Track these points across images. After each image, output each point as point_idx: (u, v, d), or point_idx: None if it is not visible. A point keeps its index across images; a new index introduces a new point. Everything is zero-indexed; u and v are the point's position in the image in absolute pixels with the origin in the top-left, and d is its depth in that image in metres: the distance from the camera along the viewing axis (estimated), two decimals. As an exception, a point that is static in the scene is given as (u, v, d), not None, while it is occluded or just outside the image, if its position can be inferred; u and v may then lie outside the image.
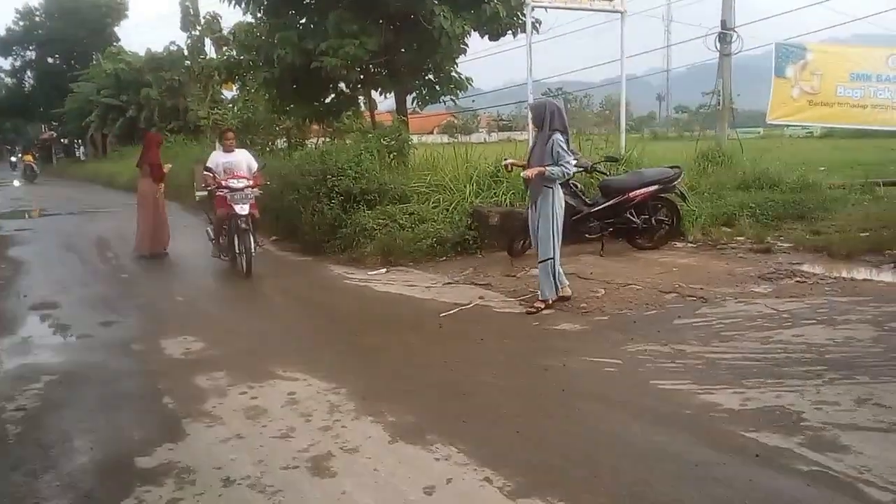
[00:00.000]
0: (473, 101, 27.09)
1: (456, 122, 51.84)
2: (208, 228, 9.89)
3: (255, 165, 9.34)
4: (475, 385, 4.71)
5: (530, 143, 6.80)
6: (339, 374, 4.95)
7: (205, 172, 9.06)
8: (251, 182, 8.89)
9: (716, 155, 12.19)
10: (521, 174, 6.32)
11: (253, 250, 8.56)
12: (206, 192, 9.39)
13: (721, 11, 14.36)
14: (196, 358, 5.57)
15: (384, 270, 8.60)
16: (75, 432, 4.15)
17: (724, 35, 13.79)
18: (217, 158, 9.24)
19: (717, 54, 14.19)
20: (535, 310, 6.35)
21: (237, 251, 8.70)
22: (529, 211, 6.65)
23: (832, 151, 19.25)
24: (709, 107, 15.11)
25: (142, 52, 35.93)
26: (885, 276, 7.04)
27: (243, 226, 8.53)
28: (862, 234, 8.16)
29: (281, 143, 17.49)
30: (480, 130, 58.63)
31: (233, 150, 9.34)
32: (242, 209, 8.57)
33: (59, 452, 3.89)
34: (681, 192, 9.04)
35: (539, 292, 6.46)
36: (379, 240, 9.03)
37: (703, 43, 14.12)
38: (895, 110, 11.11)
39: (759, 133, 30.70)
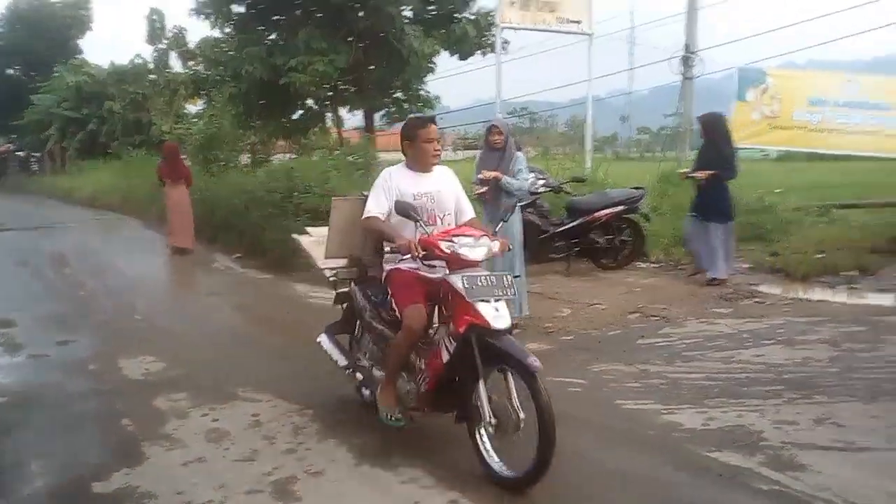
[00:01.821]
0: (441, 118, 27.27)
1: (423, 139, 51.94)
2: (326, 339, 4.73)
3: (468, 206, 4.27)
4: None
5: (478, 161, 6.58)
6: (304, 395, 4.88)
7: (370, 217, 4.03)
8: (496, 245, 3.83)
9: (676, 177, 12.39)
10: (483, 175, 6.16)
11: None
12: (343, 261, 4.58)
13: (685, 35, 14.75)
14: (155, 379, 5.44)
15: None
16: (29, 456, 4.02)
17: (687, 58, 14.16)
18: (401, 183, 4.08)
19: (680, 77, 14.56)
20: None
21: (487, 419, 3.50)
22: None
23: (788, 174, 19.74)
24: (670, 128, 15.42)
25: (106, 65, 35.41)
26: (840, 297, 7.23)
27: (533, 365, 3.32)
28: (818, 256, 8.37)
29: (245, 158, 17.34)
30: (447, 148, 58.92)
31: (429, 170, 4.17)
32: (500, 317, 3.48)
33: (12, 477, 3.76)
34: (644, 213, 9.19)
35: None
36: (346, 257, 8.94)
37: (667, 66, 14.50)
38: (850, 135, 11.47)
39: (718, 154, 31.38)
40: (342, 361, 4.58)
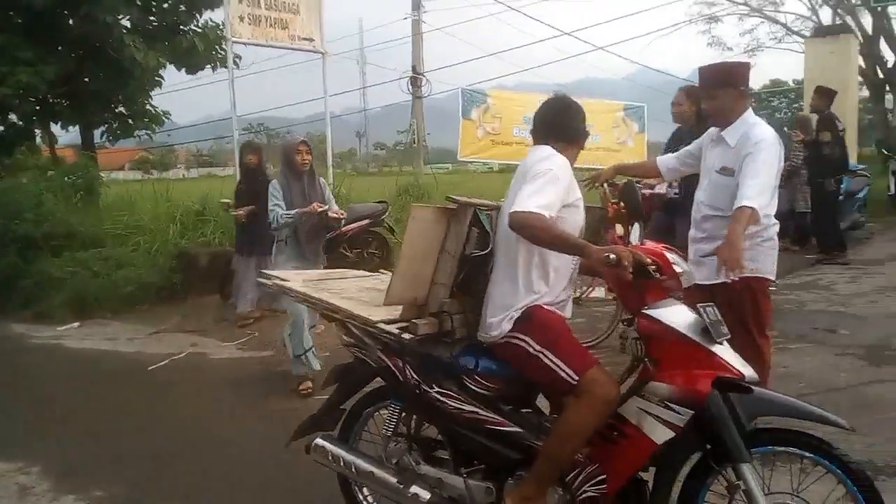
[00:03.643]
0: (169, 135, 25.79)
1: (151, 157, 48.54)
2: (333, 446, 2.92)
3: None
4: (200, 442, 4.40)
5: (281, 187, 5.29)
6: (28, 451, 4.30)
7: (541, 214, 2.43)
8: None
9: (415, 189, 13.10)
10: (315, 209, 5.17)
11: None
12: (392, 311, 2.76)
13: (411, 57, 15.66)
14: None
15: (77, 325, 7.73)
16: None
17: (415, 79, 15.06)
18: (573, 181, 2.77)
19: (410, 96, 15.44)
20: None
21: None
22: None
23: (508, 184, 21.97)
24: (404, 144, 16.23)
25: None
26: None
27: (840, 424, 2.29)
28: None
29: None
30: (179, 166, 55.62)
31: None
32: (745, 364, 2.42)
33: None
34: (389, 226, 9.56)
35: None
36: (69, 290, 8.08)
37: (398, 86, 15.32)
38: (562, 149, 13.06)
39: (448, 168, 33.86)
40: (388, 478, 2.74)
